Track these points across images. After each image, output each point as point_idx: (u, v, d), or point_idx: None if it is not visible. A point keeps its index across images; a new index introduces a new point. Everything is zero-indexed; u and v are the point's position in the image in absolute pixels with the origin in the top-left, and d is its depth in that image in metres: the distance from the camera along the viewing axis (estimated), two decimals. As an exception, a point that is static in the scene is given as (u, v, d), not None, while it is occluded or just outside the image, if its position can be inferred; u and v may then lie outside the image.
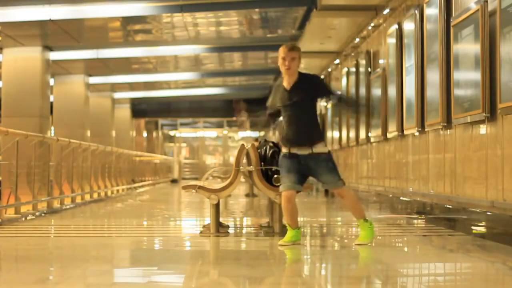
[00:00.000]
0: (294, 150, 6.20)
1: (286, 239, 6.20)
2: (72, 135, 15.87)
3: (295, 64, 6.24)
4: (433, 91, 8.10)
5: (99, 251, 6.19)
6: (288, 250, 6.04)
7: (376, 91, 11.16)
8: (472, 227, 7.00)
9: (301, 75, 6.30)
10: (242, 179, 7.42)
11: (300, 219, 9.71)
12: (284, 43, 6.50)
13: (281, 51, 6.26)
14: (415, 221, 8.69)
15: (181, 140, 36.84)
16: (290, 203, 6.12)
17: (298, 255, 6.01)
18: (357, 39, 13.01)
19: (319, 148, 6.20)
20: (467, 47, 7.06)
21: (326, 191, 16.41)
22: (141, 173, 23.19)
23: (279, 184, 6.88)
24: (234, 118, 6.67)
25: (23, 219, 9.19)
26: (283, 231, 6.93)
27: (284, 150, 6.30)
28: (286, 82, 6.29)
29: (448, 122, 7.73)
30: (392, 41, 10.14)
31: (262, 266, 5.15)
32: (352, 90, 13.33)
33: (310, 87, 6.27)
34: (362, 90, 12.51)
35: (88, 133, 19.89)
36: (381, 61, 11.21)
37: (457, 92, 7.36)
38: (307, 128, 6.23)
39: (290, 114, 6.22)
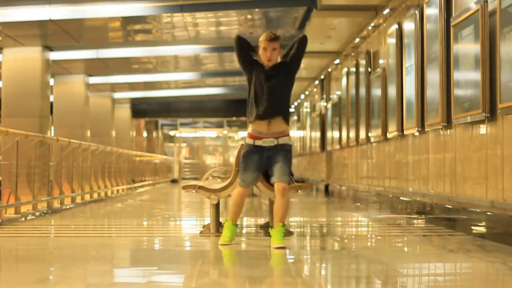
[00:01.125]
0: (259, 143, 6.18)
1: (227, 238, 6.24)
2: (72, 135, 15.89)
3: (276, 54, 6.17)
4: (433, 91, 8.11)
5: (99, 251, 6.18)
6: (286, 250, 6.03)
7: (376, 91, 11.17)
8: (472, 227, 7.00)
9: (280, 62, 6.25)
10: (242, 179, 7.41)
11: (300, 219, 9.74)
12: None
13: (262, 41, 6.15)
14: (415, 221, 8.69)
15: (181, 140, 36.85)
16: (243, 198, 6.30)
17: (298, 256, 6.01)
18: (357, 39, 13.02)
19: (285, 140, 6.20)
20: (467, 47, 7.06)
21: (326, 191, 16.42)
22: (141, 173, 23.20)
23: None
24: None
25: (23, 219, 9.18)
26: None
27: (248, 141, 6.26)
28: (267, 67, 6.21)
29: (448, 122, 7.74)
30: (392, 41, 10.14)
31: (262, 266, 5.15)
32: (352, 90, 13.34)
33: (287, 69, 6.23)
34: (362, 90, 12.51)
35: (88, 133, 19.90)
36: (381, 61, 11.21)
37: (457, 92, 7.36)
38: (282, 111, 6.22)
39: (267, 95, 6.14)
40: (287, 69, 6.25)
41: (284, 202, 6.10)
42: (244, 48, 6.26)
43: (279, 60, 6.29)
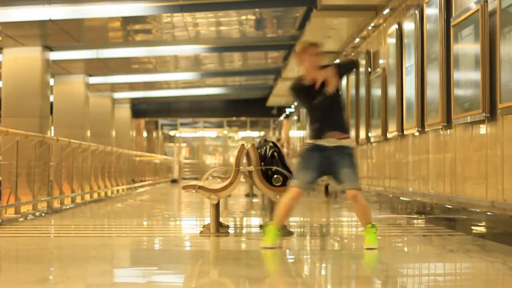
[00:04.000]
0: (321, 142, 5.95)
1: (270, 242, 5.94)
2: (72, 135, 15.87)
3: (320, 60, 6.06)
4: (433, 91, 8.11)
5: (99, 251, 6.19)
6: (286, 250, 6.03)
7: (376, 91, 11.17)
8: (472, 227, 7.00)
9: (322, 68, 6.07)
10: (242, 179, 7.42)
11: (300, 219, 9.74)
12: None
13: (313, 48, 6.00)
14: (415, 221, 8.69)
15: (181, 140, 36.82)
16: (295, 201, 5.95)
17: (298, 256, 6.01)
18: (357, 39, 13.01)
19: (347, 142, 6.01)
20: (467, 47, 7.06)
21: (326, 191, 16.41)
22: (141, 173, 23.19)
23: (279, 184, 6.89)
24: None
25: (23, 219, 9.18)
26: (283, 231, 6.93)
27: (309, 141, 6.02)
28: (313, 78, 6.01)
29: (448, 122, 7.74)
30: (392, 41, 10.14)
31: (262, 266, 5.15)
32: (352, 90, 13.34)
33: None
34: (362, 90, 12.51)
35: (88, 133, 19.89)
36: (381, 61, 11.21)
37: (457, 92, 7.36)
38: (339, 121, 6.11)
39: (325, 106, 6.01)
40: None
41: (360, 205, 5.92)
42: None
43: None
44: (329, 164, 5.94)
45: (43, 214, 10.03)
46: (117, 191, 17.07)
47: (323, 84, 5.97)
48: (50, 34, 15.53)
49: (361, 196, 5.91)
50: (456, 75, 7.37)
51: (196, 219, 9.91)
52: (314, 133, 6.01)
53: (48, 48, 16.38)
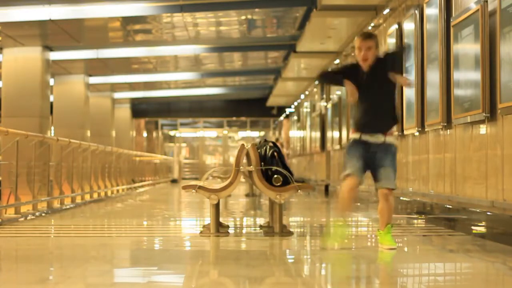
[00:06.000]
0: (366, 137, 5.95)
1: (338, 238, 6.04)
2: (72, 135, 15.89)
3: (372, 54, 5.90)
4: (433, 91, 8.11)
5: (99, 251, 6.19)
6: (288, 249, 6.03)
7: (376, 91, 11.16)
8: (472, 227, 7.00)
9: (377, 58, 5.97)
10: (242, 179, 7.42)
11: (300, 219, 9.74)
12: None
13: (357, 41, 5.94)
14: (415, 221, 8.69)
15: (181, 140, 36.82)
16: (353, 192, 5.97)
17: (298, 256, 6.01)
18: (357, 39, 13.01)
19: (391, 139, 6.03)
20: (467, 47, 7.06)
21: (326, 191, 16.42)
22: (141, 173, 23.19)
23: (279, 184, 6.89)
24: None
25: (23, 219, 9.18)
26: (283, 231, 6.94)
27: (354, 135, 6.01)
28: (364, 66, 5.98)
29: (448, 122, 7.74)
30: (392, 41, 10.14)
31: (262, 266, 5.15)
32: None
33: (386, 69, 5.97)
34: (362, 90, 12.49)
35: (88, 133, 19.90)
36: (381, 61, 11.20)
37: (457, 92, 7.37)
38: (385, 114, 6.04)
39: (368, 98, 5.97)
40: (382, 65, 6.00)
41: (388, 205, 6.00)
42: (334, 80, 6.46)
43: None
44: (373, 159, 5.99)
45: (43, 214, 10.04)
46: (117, 191, 17.07)
47: (372, 72, 5.95)
48: (50, 34, 15.54)
49: (392, 196, 6.02)
50: (456, 75, 7.37)
51: (196, 219, 9.90)
52: (360, 126, 5.99)
53: (48, 48, 16.38)
